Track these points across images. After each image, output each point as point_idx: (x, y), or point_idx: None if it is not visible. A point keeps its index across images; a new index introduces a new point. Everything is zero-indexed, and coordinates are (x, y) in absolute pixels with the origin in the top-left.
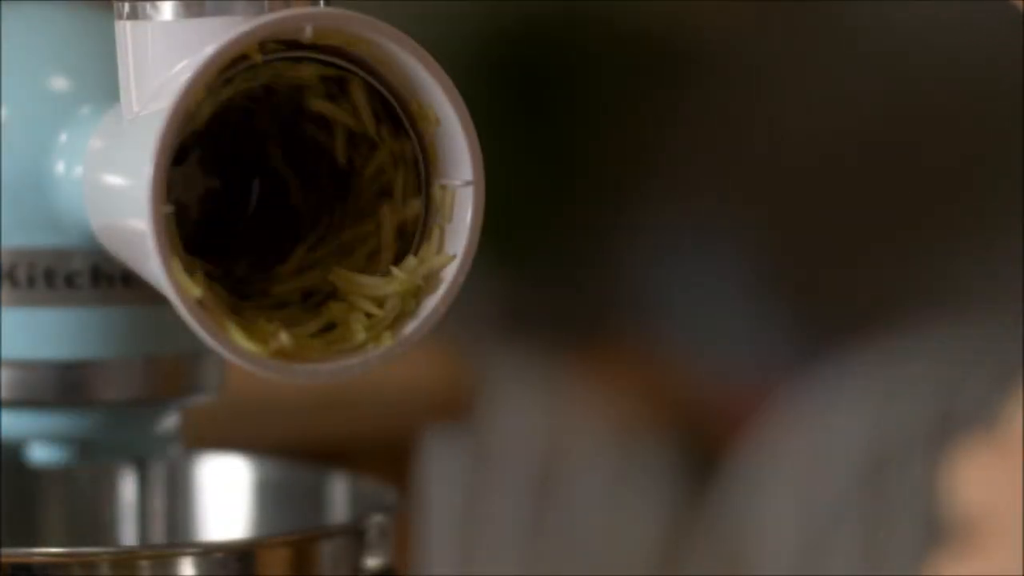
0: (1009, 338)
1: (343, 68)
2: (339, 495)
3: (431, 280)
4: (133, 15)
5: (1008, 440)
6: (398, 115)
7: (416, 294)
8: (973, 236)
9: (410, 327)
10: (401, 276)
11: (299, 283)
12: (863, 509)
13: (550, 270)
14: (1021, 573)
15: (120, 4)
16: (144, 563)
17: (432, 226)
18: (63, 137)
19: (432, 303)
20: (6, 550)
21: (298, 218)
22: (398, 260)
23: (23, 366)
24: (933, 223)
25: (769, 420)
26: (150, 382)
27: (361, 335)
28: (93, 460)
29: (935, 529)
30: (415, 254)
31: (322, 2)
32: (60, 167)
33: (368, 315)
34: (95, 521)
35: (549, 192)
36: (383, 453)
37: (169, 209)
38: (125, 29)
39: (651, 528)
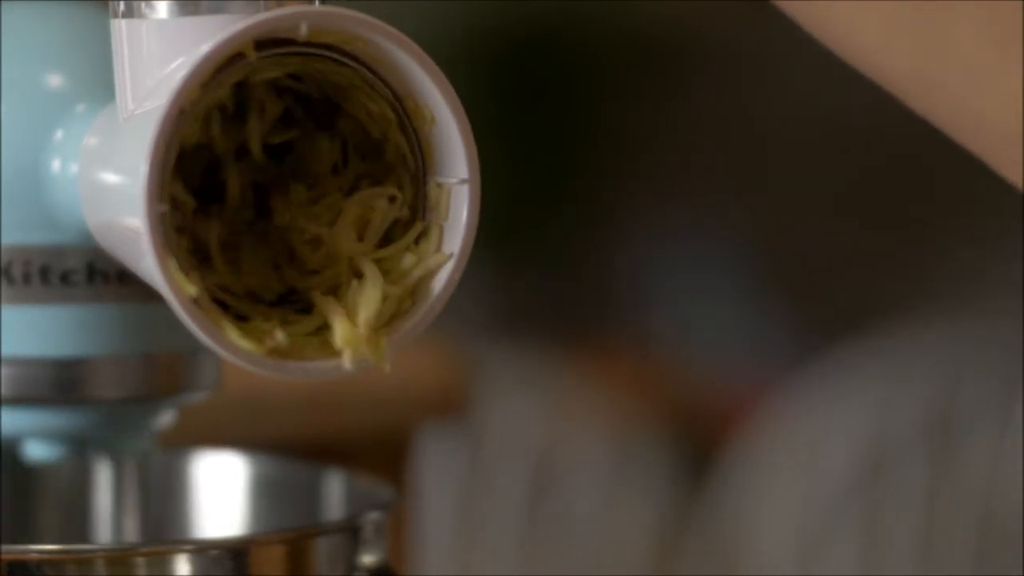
0: (1008, 338)
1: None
2: (335, 492)
3: (427, 278)
4: (129, 13)
5: None
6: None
7: (412, 292)
8: (972, 235)
9: (406, 325)
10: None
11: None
12: (861, 508)
13: (547, 268)
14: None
15: (116, 2)
16: (139, 560)
17: (429, 224)
18: (59, 135)
19: (428, 301)
20: (3, 547)
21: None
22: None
23: (19, 363)
24: (931, 223)
25: (766, 419)
26: (146, 379)
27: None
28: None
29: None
30: (412, 252)
31: (317, 0)
32: (55, 165)
33: None
34: (91, 518)
35: (546, 191)
36: (379, 450)
37: (165, 207)
38: (120, 27)
39: (647, 526)
